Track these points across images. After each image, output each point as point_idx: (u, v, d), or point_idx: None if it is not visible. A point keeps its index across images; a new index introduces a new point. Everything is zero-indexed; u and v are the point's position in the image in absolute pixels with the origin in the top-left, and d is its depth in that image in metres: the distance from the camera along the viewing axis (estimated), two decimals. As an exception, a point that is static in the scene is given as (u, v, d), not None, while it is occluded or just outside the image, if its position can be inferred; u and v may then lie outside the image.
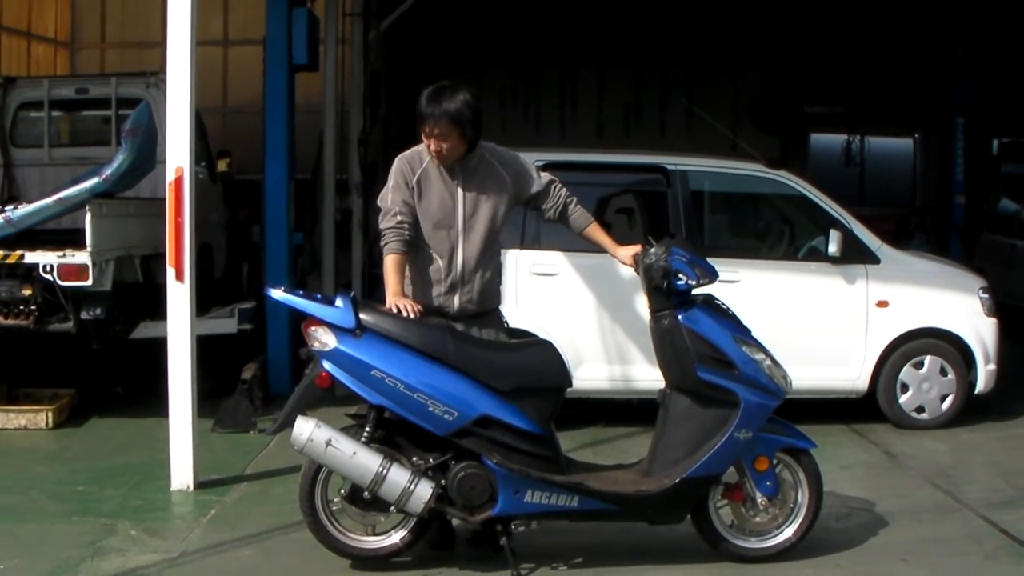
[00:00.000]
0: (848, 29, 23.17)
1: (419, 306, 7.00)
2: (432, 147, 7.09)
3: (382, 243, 7.20)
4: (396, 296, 7.02)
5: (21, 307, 10.91)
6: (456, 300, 7.21)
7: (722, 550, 7.30)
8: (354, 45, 18.06)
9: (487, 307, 7.36)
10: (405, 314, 6.91)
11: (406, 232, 7.12)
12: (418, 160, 7.23)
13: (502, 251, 7.58)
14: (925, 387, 11.31)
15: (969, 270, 12.64)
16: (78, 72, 21.81)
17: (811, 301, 11.26)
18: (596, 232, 7.55)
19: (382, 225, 7.19)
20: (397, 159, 7.29)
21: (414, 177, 7.16)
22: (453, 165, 7.17)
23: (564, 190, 7.51)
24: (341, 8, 17.29)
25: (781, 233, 12.15)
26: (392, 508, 6.91)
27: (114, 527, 8.04)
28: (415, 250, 7.18)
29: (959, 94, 22.50)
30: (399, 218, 7.11)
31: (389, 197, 7.18)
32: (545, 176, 7.51)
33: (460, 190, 7.18)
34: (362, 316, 6.87)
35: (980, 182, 22.91)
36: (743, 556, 7.31)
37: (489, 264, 7.29)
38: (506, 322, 7.61)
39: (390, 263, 7.14)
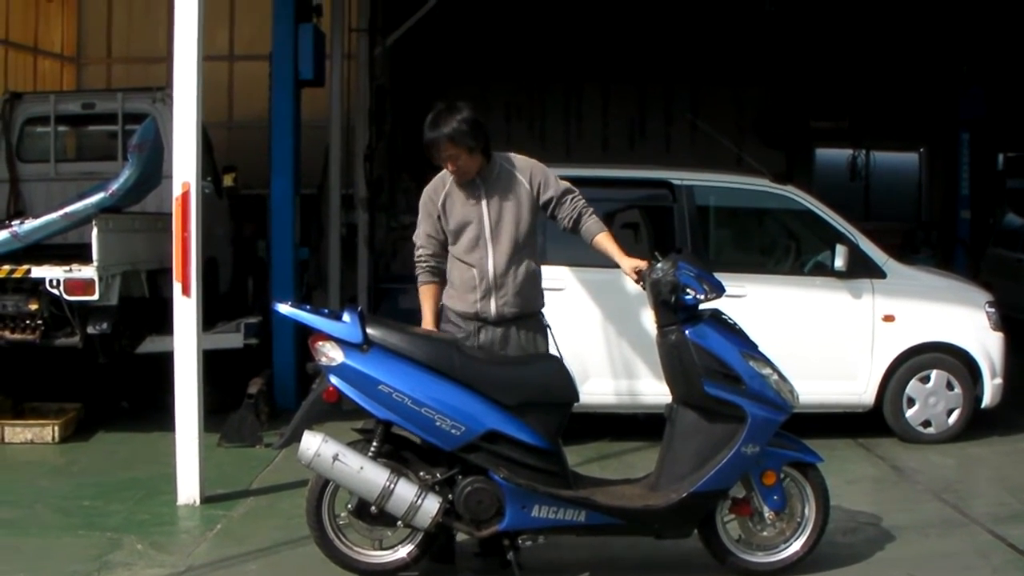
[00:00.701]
0: (853, 44, 23.16)
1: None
2: (449, 168, 7.33)
3: (416, 273, 7.65)
4: (426, 327, 7.45)
5: (27, 321, 10.92)
6: (492, 305, 7.37)
7: (729, 564, 7.29)
8: (360, 60, 18.09)
9: (527, 310, 7.48)
10: None
11: (431, 263, 7.53)
12: (441, 185, 7.49)
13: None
14: (932, 401, 11.30)
15: (975, 284, 12.63)
16: (84, 87, 21.78)
17: (817, 316, 11.25)
18: (606, 241, 7.55)
19: (416, 261, 7.64)
20: (424, 190, 7.57)
21: (440, 201, 7.45)
22: (475, 179, 7.35)
23: (581, 201, 7.59)
24: (347, 24, 17.33)
25: (787, 248, 12.16)
26: (399, 523, 6.90)
27: (120, 541, 8.04)
28: (451, 263, 7.49)
29: (964, 109, 22.46)
30: (421, 252, 7.54)
31: (418, 231, 7.59)
32: (563, 184, 7.60)
33: (484, 200, 7.37)
34: (369, 331, 6.88)
35: (986, 196, 22.90)
36: (750, 570, 7.30)
37: (520, 267, 7.41)
38: (549, 327, 7.65)
39: (422, 294, 7.60)
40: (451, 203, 7.42)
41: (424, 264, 7.55)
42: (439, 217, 7.44)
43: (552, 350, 7.59)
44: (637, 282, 7.33)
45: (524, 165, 7.54)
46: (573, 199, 7.57)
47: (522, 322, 7.45)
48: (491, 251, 7.37)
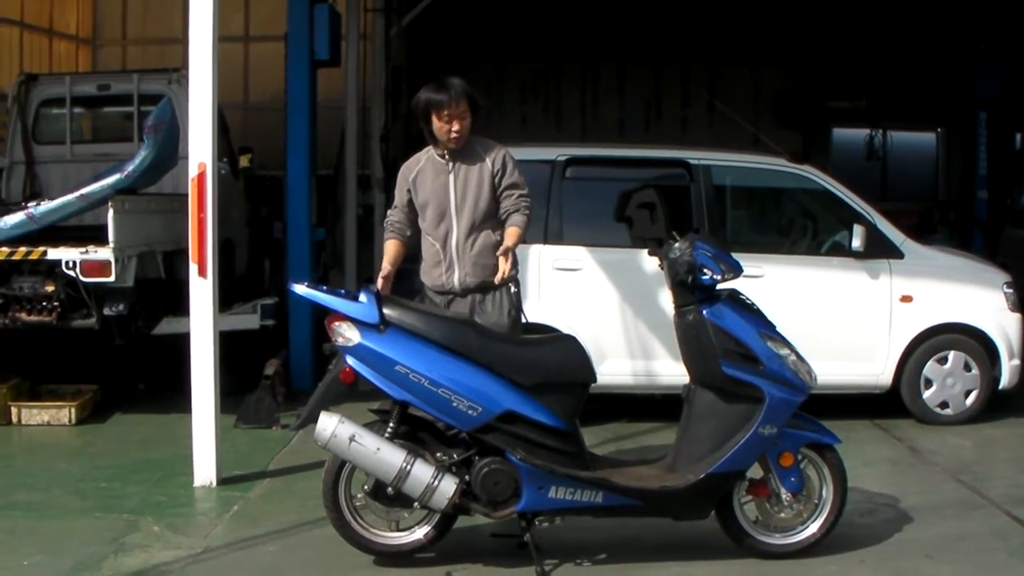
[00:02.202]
0: (870, 23, 23.05)
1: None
2: (455, 129, 7.60)
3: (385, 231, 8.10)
4: (382, 272, 7.75)
5: (44, 303, 10.94)
6: (456, 277, 7.78)
7: (746, 546, 7.28)
8: (375, 41, 18.07)
9: (489, 278, 7.72)
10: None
11: (397, 226, 7.96)
12: (415, 163, 7.95)
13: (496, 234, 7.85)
14: (949, 382, 11.27)
15: (993, 265, 12.57)
16: (100, 69, 21.78)
17: (835, 296, 11.23)
18: (509, 229, 7.79)
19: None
20: (403, 166, 8.06)
21: (411, 177, 7.89)
22: (444, 154, 7.70)
23: (524, 201, 7.86)
24: (363, 4, 17.35)
25: (804, 228, 12.11)
26: (416, 504, 6.90)
27: (137, 523, 8.06)
28: (422, 240, 7.92)
29: (982, 88, 22.37)
30: (391, 216, 8.03)
31: (395, 196, 8.07)
32: (518, 179, 7.85)
33: (451, 176, 7.73)
34: (385, 311, 6.88)
35: (1003, 177, 22.77)
36: (767, 552, 7.29)
37: (478, 239, 7.75)
38: (516, 292, 7.91)
39: (386, 248, 8.00)
40: (422, 179, 7.82)
41: (393, 225, 7.97)
42: (408, 191, 7.88)
43: (523, 314, 7.97)
44: (660, 265, 7.35)
45: (490, 146, 7.88)
46: (519, 195, 7.83)
47: (488, 292, 7.76)
48: (455, 225, 7.75)
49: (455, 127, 7.57)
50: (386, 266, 7.78)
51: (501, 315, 7.75)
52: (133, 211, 11.15)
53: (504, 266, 7.59)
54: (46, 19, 20.88)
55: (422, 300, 7.88)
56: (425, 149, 7.89)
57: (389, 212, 8.04)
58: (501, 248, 7.62)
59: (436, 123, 7.59)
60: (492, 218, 7.78)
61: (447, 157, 7.73)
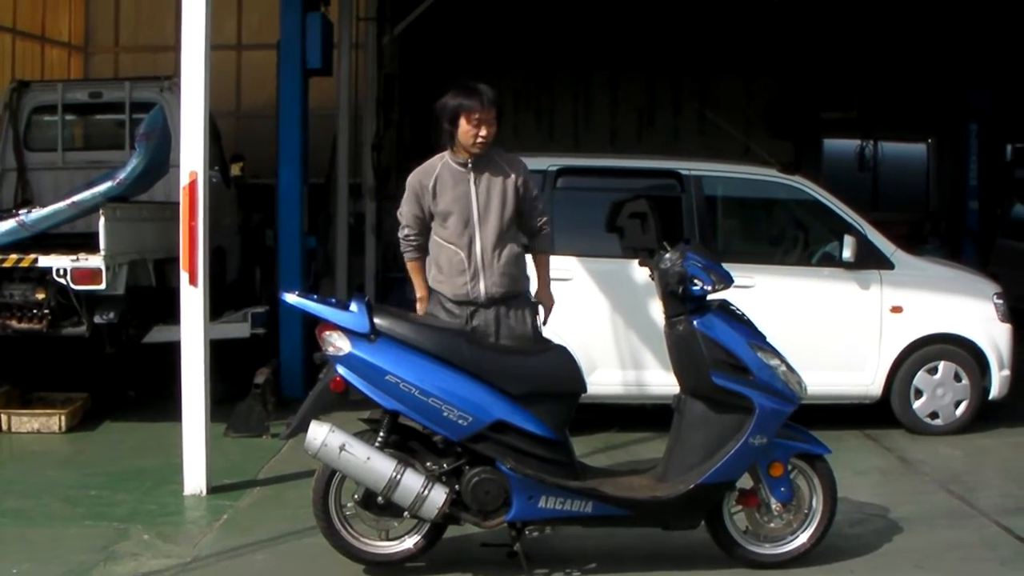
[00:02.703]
0: (862, 34, 23.09)
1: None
2: (483, 133, 7.53)
3: (402, 251, 7.96)
4: (419, 294, 7.87)
5: (35, 311, 10.93)
6: (482, 286, 7.56)
7: (736, 556, 7.29)
8: (368, 49, 18.11)
9: (514, 290, 7.69)
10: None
11: (417, 241, 7.81)
12: (431, 169, 7.71)
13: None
14: (939, 393, 11.29)
15: (983, 275, 12.60)
16: (92, 76, 21.81)
17: (825, 306, 11.25)
18: (541, 264, 8.08)
19: (399, 236, 7.93)
20: (412, 174, 7.82)
21: (430, 184, 7.65)
22: (466, 161, 7.58)
23: (546, 226, 8.03)
24: (355, 12, 17.34)
25: (795, 238, 12.14)
26: (406, 513, 6.90)
27: (127, 531, 8.05)
28: (437, 248, 7.69)
29: (973, 99, 22.43)
30: (407, 231, 7.82)
31: (403, 210, 7.84)
32: (538, 196, 8.09)
33: (473, 185, 7.60)
34: (376, 320, 6.89)
35: (994, 187, 22.82)
36: (757, 562, 7.30)
37: (505, 249, 7.63)
38: (537, 303, 7.93)
39: (412, 270, 7.94)
40: (441, 185, 7.63)
41: (411, 242, 7.83)
42: (423, 200, 7.68)
43: (540, 327, 7.90)
44: (651, 275, 7.37)
45: (514, 161, 7.84)
46: (545, 220, 8.00)
47: (511, 302, 7.67)
48: (479, 233, 7.59)
49: (482, 132, 7.50)
50: (422, 289, 7.84)
51: (525, 328, 7.72)
52: (124, 219, 11.15)
53: (549, 303, 7.97)
54: (38, 26, 20.87)
55: (434, 307, 7.80)
56: (437, 156, 7.78)
57: (403, 228, 7.84)
58: (541, 288, 7.96)
59: (464, 127, 7.51)
60: (514, 229, 7.77)
61: (469, 165, 7.62)
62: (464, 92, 7.57)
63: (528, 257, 7.93)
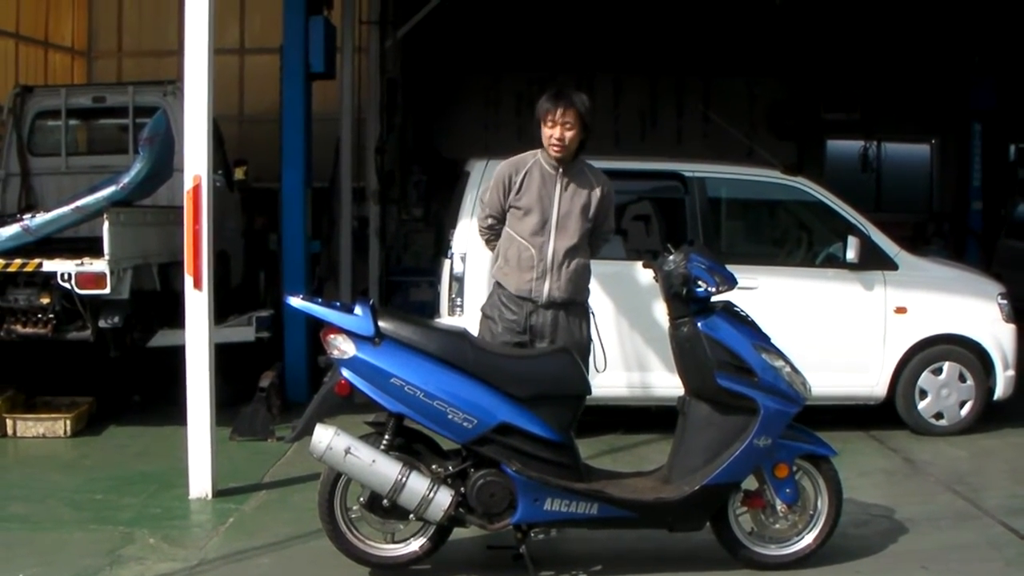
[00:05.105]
0: (865, 35, 23.09)
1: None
2: (556, 135, 7.64)
3: (481, 237, 8.24)
4: None
5: (39, 315, 10.92)
6: (546, 288, 7.70)
7: (741, 557, 7.30)
8: (371, 53, 18.12)
9: (575, 298, 7.81)
10: None
11: (497, 228, 7.97)
12: (522, 163, 7.87)
13: None
14: (944, 393, 11.29)
15: (987, 276, 12.60)
16: (95, 81, 21.80)
17: (829, 308, 11.24)
18: None
19: (478, 222, 8.20)
20: (501, 165, 7.99)
21: (520, 177, 7.80)
22: (558, 166, 7.69)
23: (611, 232, 8.41)
24: (358, 16, 17.35)
25: (799, 240, 12.14)
26: (411, 516, 6.91)
27: (132, 535, 8.05)
28: (508, 240, 7.84)
29: (976, 99, 22.40)
30: (489, 220, 8.01)
31: (486, 198, 8.08)
32: (612, 216, 8.21)
33: (559, 189, 7.72)
34: (381, 324, 6.89)
35: (997, 187, 22.82)
36: (762, 563, 7.30)
37: (574, 259, 7.75)
38: (593, 314, 8.01)
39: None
40: (529, 181, 7.76)
41: (494, 230, 8.00)
42: (512, 190, 7.78)
43: (595, 337, 7.96)
44: (655, 277, 7.39)
45: (604, 179, 7.97)
46: (612, 225, 8.29)
47: (570, 308, 7.77)
48: (553, 238, 7.71)
49: (556, 134, 7.59)
50: None
51: (582, 335, 7.81)
52: (128, 223, 11.13)
53: None
54: (42, 31, 20.90)
55: (491, 303, 7.94)
56: (531, 152, 7.88)
57: (483, 218, 8.04)
58: None
59: (544, 128, 7.66)
60: (586, 240, 7.87)
61: (560, 170, 7.74)
62: (549, 95, 7.73)
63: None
